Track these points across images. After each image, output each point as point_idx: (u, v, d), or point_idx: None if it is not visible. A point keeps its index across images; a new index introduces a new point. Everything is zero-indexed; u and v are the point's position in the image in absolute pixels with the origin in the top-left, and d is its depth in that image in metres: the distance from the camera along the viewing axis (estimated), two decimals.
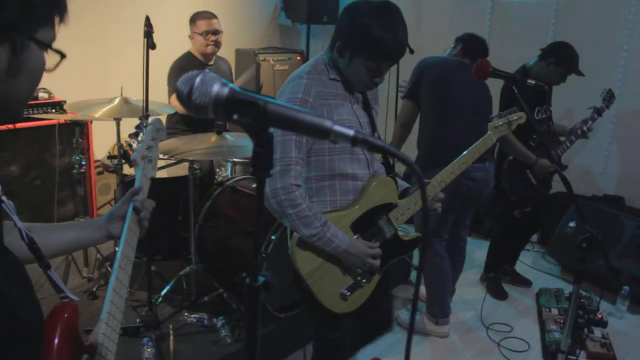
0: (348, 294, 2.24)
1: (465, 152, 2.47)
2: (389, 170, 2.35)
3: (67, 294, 1.33)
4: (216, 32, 4.26)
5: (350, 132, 0.86)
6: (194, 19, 4.29)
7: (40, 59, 1.01)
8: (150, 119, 1.82)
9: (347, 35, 2.06)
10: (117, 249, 1.52)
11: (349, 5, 2.08)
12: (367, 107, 2.31)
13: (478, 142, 2.50)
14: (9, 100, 0.99)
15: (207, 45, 4.24)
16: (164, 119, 4.49)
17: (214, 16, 4.30)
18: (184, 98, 0.89)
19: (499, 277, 4.33)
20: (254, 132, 0.89)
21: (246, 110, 0.87)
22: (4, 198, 1.10)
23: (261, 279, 0.97)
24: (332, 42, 2.13)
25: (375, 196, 2.26)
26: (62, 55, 1.04)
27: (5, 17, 0.89)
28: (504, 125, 2.57)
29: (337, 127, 0.87)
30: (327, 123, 0.87)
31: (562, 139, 4.04)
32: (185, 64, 4.25)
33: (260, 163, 0.89)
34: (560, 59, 3.80)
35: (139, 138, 1.74)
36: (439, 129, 3.40)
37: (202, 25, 4.23)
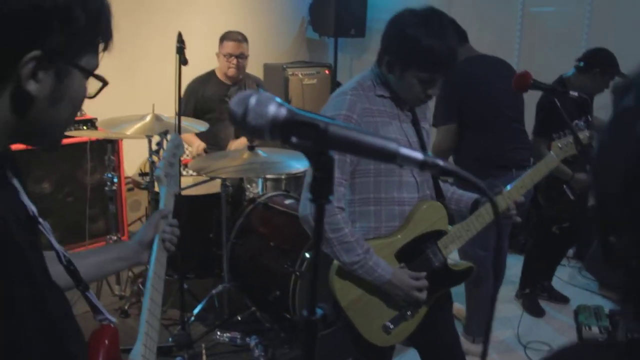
0: (391, 327, 2.10)
1: (524, 176, 2.31)
2: (439, 194, 2.22)
3: (106, 316, 1.32)
4: (241, 56, 4.18)
5: (420, 156, 0.80)
6: (223, 38, 4.23)
7: (82, 86, 1.02)
8: (169, 136, 1.82)
9: (395, 48, 2.00)
10: (148, 267, 1.51)
11: (393, 17, 2.03)
12: (417, 125, 2.20)
13: (540, 164, 2.37)
14: (50, 125, 1.00)
15: (229, 67, 4.18)
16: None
17: (244, 40, 4.21)
18: (238, 119, 0.83)
19: (536, 293, 4.21)
20: (313, 156, 0.83)
21: (306, 133, 0.81)
22: (40, 220, 1.08)
23: (319, 311, 0.91)
24: (380, 57, 2.06)
25: (423, 223, 2.13)
26: (104, 83, 1.04)
27: (52, 45, 0.90)
28: (569, 145, 2.42)
29: (404, 150, 0.81)
30: (392, 145, 0.81)
31: None
32: (201, 86, 4.22)
33: (320, 189, 0.83)
34: (606, 67, 3.67)
35: (161, 155, 1.74)
36: (482, 142, 3.28)
37: (228, 47, 4.16)
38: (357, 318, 2.06)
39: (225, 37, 4.22)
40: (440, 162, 0.80)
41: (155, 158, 1.78)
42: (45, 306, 1.00)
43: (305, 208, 2.00)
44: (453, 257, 2.31)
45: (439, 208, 2.18)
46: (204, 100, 4.20)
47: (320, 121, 0.81)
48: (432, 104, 2.96)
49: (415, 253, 2.12)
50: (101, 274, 1.52)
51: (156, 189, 3.46)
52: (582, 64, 3.76)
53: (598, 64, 3.69)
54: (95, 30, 0.99)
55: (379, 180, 2.06)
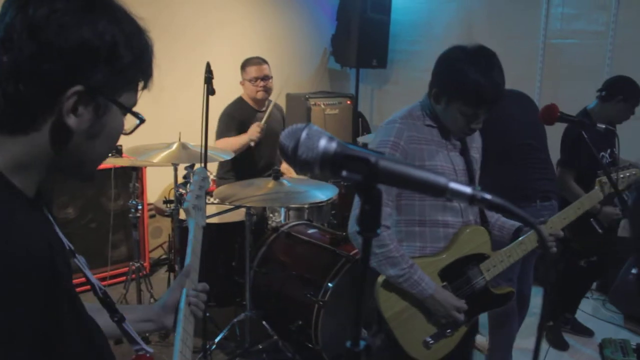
0: (432, 342, 2.18)
1: (567, 209, 2.40)
2: (484, 219, 2.30)
3: (143, 346, 1.32)
4: (266, 78, 4.27)
5: (468, 190, 0.81)
6: (244, 65, 4.31)
7: (119, 122, 1.02)
8: (195, 168, 1.82)
9: (443, 81, 2.10)
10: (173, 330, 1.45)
11: (445, 52, 2.12)
12: (466, 154, 2.28)
13: (584, 197, 2.43)
14: (86, 160, 1.00)
15: (257, 91, 4.25)
16: (215, 166, 4.50)
17: (264, 62, 4.31)
18: (289, 153, 0.85)
19: (559, 326, 4.16)
20: (362, 189, 0.84)
21: (356, 167, 0.82)
22: (76, 254, 1.10)
23: (362, 343, 0.91)
24: (429, 89, 2.16)
25: (467, 245, 2.21)
26: (141, 120, 1.04)
27: (95, 81, 0.92)
28: (620, 180, 2.47)
29: (453, 185, 0.82)
30: (442, 180, 0.82)
31: None
32: (235, 111, 4.27)
33: (369, 222, 0.84)
34: (629, 94, 3.66)
35: (188, 188, 1.74)
36: (506, 173, 3.26)
37: (252, 71, 4.24)
38: (399, 330, 2.14)
39: (246, 64, 4.31)
40: (488, 196, 0.81)
41: (182, 191, 1.81)
42: (92, 336, 1.01)
43: (353, 225, 2.10)
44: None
45: (483, 233, 2.27)
46: (240, 123, 4.26)
47: (371, 155, 0.82)
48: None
49: (458, 273, 2.21)
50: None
51: (180, 216, 3.49)
52: (604, 93, 3.75)
53: (620, 91, 3.68)
54: (138, 69, 1.00)
55: (424, 203, 2.15)
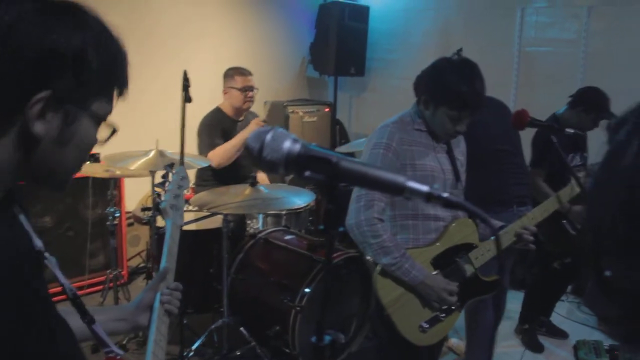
0: (427, 326, 2.34)
1: (547, 201, 2.60)
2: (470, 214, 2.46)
3: (113, 348, 1.32)
4: (252, 89, 4.28)
5: (425, 188, 0.85)
6: (232, 74, 4.27)
7: (91, 131, 1.00)
8: (174, 168, 1.82)
9: (431, 88, 2.34)
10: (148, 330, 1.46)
11: (432, 63, 2.37)
12: (452, 156, 2.50)
13: (564, 189, 2.58)
14: (56, 168, 0.99)
15: (245, 101, 4.24)
16: (192, 173, 4.51)
17: (250, 73, 4.32)
18: (255, 154, 0.88)
19: (535, 328, 4.22)
20: (325, 189, 0.87)
21: (319, 167, 0.86)
22: (46, 254, 1.09)
23: (327, 338, 0.94)
24: (418, 96, 2.40)
25: (456, 236, 2.42)
26: (114, 130, 1.04)
27: (62, 87, 0.90)
28: (582, 176, 2.61)
29: (411, 184, 0.86)
30: (400, 179, 0.86)
31: None
32: (215, 120, 4.25)
33: (332, 220, 0.87)
34: (590, 106, 3.76)
35: (166, 187, 1.73)
36: (482, 179, 3.31)
37: (243, 80, 4.23)
38: (396, 315, 2.30)
39: (235, 73, 4.27)
40: (445, 195, 0.85)
41: (160, 190, 1.78)
42: (54, 339, 1.01)
43: (351, 217, 2.27)
44: None
45: (470, 224, 2.48)
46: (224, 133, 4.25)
47: (332, 156, 0.86)
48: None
49: (448, 262, 2.40)
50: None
51: (158, 224, 3.49)
52: (570, 100, 3.86)
53: (582, 102, 3.79)
54: (110, 76, 1.00)
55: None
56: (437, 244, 2.39)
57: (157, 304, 1.44)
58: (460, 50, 2.50)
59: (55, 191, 1.08)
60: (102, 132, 1.04)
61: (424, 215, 2.37)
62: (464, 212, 0.92)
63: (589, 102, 3.78)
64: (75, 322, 1.21)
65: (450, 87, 2.26)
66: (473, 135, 3.28)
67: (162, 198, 1.70)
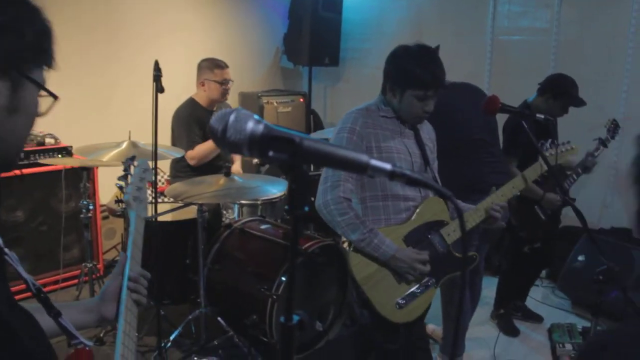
0: (403, 302, 2.39)
1: (515, 178, 2.63)
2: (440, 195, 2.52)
3: (81, 340, 1.31)
4: (229, 82, 4.25)
5: (388, 167, 0.86)
6: (210, 67, 4.21)
7: (35, 99, 1.05)
8: (135, 161, 1.81)
9: (394, 75, 2.45)
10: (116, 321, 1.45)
11: (391, 53, 2.48)
12: (420, 141, 2.57)
13: (531, 167, 2.61)
14: (9, 138, 1.02)
15: (223, 93, 4.22)
16: (166, 164, 4.50)
17: (227, 65, 4.28)
18: (218, 135, 0.88)
19: (510, 313, 4.28)
20: (289, 169, 0.88)
21: (282, 147, 0.86)
22: (6, 250, 1.10)
23: (295, 318, 0.95)
24: (383, 86, 2.51)
25: (427, 213, 2.48)
26: (55, 97, 1.07)
27: (4, 55, 0.95)
28: (552, 157, 2.64)
29: (374, 162, 0.87)
30: (364, 158, 0.87)
31: (568, 172, 4.03)
32: (191, 112, 4.21)
33: (296, 200, 0.88)
34: (557, 93, 3.81)
35: (129, 180, 1.72)
36: (460, 168, 3.28)
37: (223, 73, 4.19)
38: (372, 292, 2.35)
39: (212, 65, 4.22)
40: (408, 172, 0.86)
41: (122, 183, 1.79)
42: (14, 337, 1.00)
43: (319, 198, 2.37)
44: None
45: (440, 202, 2.54)
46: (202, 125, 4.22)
47: (296, 136, 0.86)
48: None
49: (420, 238, 2.46)
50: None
51: None
52: (538, 87, 3.91)
53: (550, 89, 3.84)
54: (42, 47, 1.04)
55: (384, 179, 2.24)
56: (408, 222, 2.44)
57: (124, 295, 1.43)
58: (438, 47, 2.63)
59: (5, 168, 1.08)
60: (45, 103, 1.08)
61: (394, 195, 2.44)
62: (431, 190, 0.93)
63: (557, 89, 3.83)
64: (44, 319, 1.20)
65: (412, 70, 2.37)
66: (452, 124, 3.32)
67: (125, 191, 1.69)
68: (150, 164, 3.06)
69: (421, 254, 2.38)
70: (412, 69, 2.37)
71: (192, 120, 4.15)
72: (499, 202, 2.55)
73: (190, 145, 4.06)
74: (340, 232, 2.37)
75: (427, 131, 2.69)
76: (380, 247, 2.31)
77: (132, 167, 1.78)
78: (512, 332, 4.14)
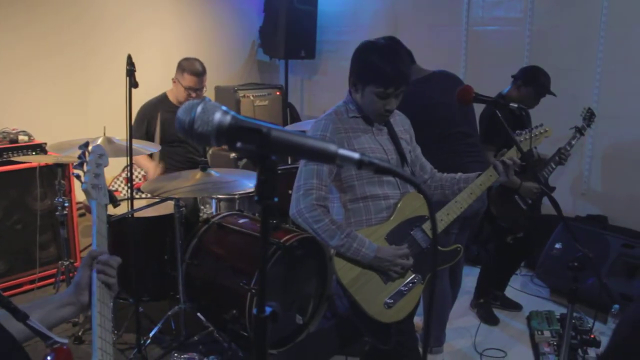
0: (391, 302, 2.38)
1: (490, 167, 2.58)
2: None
3: (55, 339, 1.30)
4: (200, 89, 4.14)
5: (356, 155, 0.86)
6: (183, 68, 4.11)
7: None
8: (90, 147, 1.77)
9: (357, 70, 2.43)
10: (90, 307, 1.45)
11: (358, 46, 2.44)
12: (394, 137, 2.56)
13: (502, 153, 2.59)
14: None
15: (187, 100, 4.13)
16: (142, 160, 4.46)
17: (203, 72, 4.15)
18: (186, 127, 0.88)
19: (490, 302, 4.31)
20: (257, 160, 0.87)
21: (250, 138, 0.86)
22: None
23: (268, 309, 0.95)
24: (349, 80, 2.48)
25: (407, 210, 2.47)
26: None
27: None
28: (526, 141, 2.64)
29: (342, 151, 0.86)
30: (332, 147, 0.87)
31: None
32: (153, 111, 4.16)
33: (265, 191, 0.87)
34: (528, 82, 3.86)
35: (85, 168, 1.68)
36: (440, 158, 3.29)
37: (189, 80, 4.08)
38: (359, 295, 2.34)
39: (186, 68, 4.10)
40: (376, 161, 0.86)
41: (79, 172, 1.74)
42: None
43: (292, 208, 2.35)
44: None
45: (418, 197, 2.51)
46: (156, 124, 4.16)
47: (263, 126, 0.86)
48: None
49: (402, 235, 2.45)
50: (49, 325, 1.43)
51: (109, 212, 3.44)
52: (512, 79, 3.96)
53: (524, 81, 3.90)
54: None
55: (362, 182, 2.42)
56: (389, 220, 2.43)
57: (94, 288, 1.43)
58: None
59: None
60: None
61: (373, 195, 2.43)
62: (401, 179, 0.93)
63: (530, 80, 3.88)
64: (14, 324, 1.19)
65: (373, 66, 2.34)
66: (434, 118, 3.33)
67: (83, 180, 1.64)
68: (127, 160, 3.06)
69: (401, 248, 2.38)
70: (373, 64, 2.34)
71: (142, 121, 4.14)
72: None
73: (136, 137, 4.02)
74: (319, 238, 2.35)
75: (400, 123, 2.67)
76: (360, 251, 2.30)
77: (87, 154, 1.72)
78: (492, 320, 4.18)
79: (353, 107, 2.48)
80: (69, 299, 1.46)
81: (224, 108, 0.88)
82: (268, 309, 0.95)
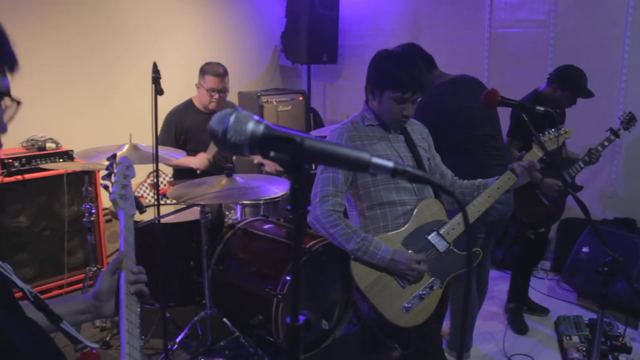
0: (409, 306, 2.40)
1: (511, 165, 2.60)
2: (437, 195, 2.60)
3: (86, 343, 1.31)
4: (223, 91, 4.20)
5: (390, 164, 0.86)
6: (205, 71, 4.19)
7: None
8: (117, 158, 1.81)
9: (374, 77, 2.49)
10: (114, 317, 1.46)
11: (374, 55, 2.51)
12: (411, 144, 2.60)
13: (529, 153, 2.60)
14: None
15: (210, 102, 4.19)
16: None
17: (225, 74, 4.21)
18: (219, 137, 0.88)
19: (521, 308, 4.20)
20: (291, 169, 0.87)
21: (283, 147, 0.86)
22: (0, 262, 1.10)
23: (302, 318, 0.95)
24: (365, 89, 2.55)
25: (423, 215, 2.50)
26: (18, 103, 1.07)
27: None
28: (549, 141, 2.63)
29: (376, 160, 0.86)
30: (366, 156, 0.87)
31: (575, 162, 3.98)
32: (179, 116, 4.21)
33: (298, 200, 0.87)
34: (565, 85, 3.78)
35: (112, 179, 1.72)
36: (465, 163, 3.23)
37: (211, 82, 4.14)
38: (377, 300, 2.36)
39: (207, 71, 4.18)
40: (409, 169, 0.86)
41: (107, 183, 1.77)
42: (8, 345, 1.01)
43: (310, 215, 2.39)
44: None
45: (435, 202, 2.57)
46: (183, 130, 4.20)
47: (296, 136, 0.86)
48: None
49: (420, 240, 2.48)
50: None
51: (135, 218, 3.46)
52: (548, 78, 3.89)
53: (558, 80, 3.81)
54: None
55: (378, 188, 2.47)
56: (406, 226, 2.46)
57: (122, 295, 1.44)
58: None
59: None
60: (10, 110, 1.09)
61: (390, 202, 2.47)
62: (435, 188, 0.92)
63: (564, 81, 3.79)
64: (36, 316, 1.21)
65: (390, 72, 2.41)
66: (458, 122, 3.32)
67: (111, 190, 1.67)
68: (152, 166, 3.09)
69: (417, 254, 2.41)
70: (391, 71, 2.41)
71: (170, 126, 4.18)
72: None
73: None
74: (336, 243, 2.40)
75: (418, 131, 2.71)
76: (377, 254, 2.34)
77: (114, 166, 1.76)
78: (520, 329, 4.08)
79: (369, 116, 2.55)
80: (88, 307, 1.47)
81: (256, 117, 0.89)
82: (302, 318, 0.95)
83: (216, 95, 4.17)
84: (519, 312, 4.18)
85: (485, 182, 2.66)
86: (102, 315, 1.48)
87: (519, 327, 4.11)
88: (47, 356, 1.12)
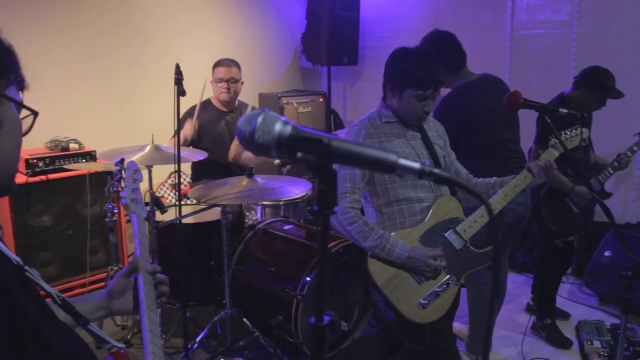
0: (425, 302, 2.42)
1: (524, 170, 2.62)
2: (453, 191, 2.62)
3: (113, 344, 1.34)
4: (232, 80, 4.24)
5: (417, 165, 0.86)
6: (214, 66, 4.30)
7: (16, 115, 1.07)
8: (125, 163, 1.85)
9: (392, 76, 2.51)
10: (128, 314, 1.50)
11: (391, 55, 2.54)
12: (427, 142, 2.61)
13: (545, 152, 2.60)
14: (1, 156, 1.05)
15: (221, 92, 4.23)
16: (188, 167, 4.52)
17: (234, 64, 4.28)
18: (247, 138, 0.89)
19: (554, 321, 4.05)
20: (317, 170, 0.88)
21: (310, 148, 0.87)
22: (27, 268, 1.11)
23: (327, 318, 0.95)
24: (384, 87, 2.56)
25: (440, 212, 2.52)
26: (35, 114, 1.09)
27: None
28: (567, 141, 2.64)
29: (403, 161, 0.86)
30: (392, 157, 0.87)
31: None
32: (191, 113, 4.22)
33: (325, 201, 0.88)
34: (593, 88, 3.69)
35: (122, 184, 1.76)
36: (486, 166, 3.16)
37: (219, 72, 4.24)
38: (394, 296, 2.38)
39: (216, 64, 4.30)
40: (437, 171, 0.86)
41: (117, 187, 1.80)
42: (47, 345, 1.03)
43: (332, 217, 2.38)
44: None
45: (452, 199, 2.59)
46: (200, 126, 4.24)
47: (324, 137, 0.86)
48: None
49: (436, 237, 2.50)
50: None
51: (157, 218, 3.50)
52: (574, 80, 3.80)
53: (585, 83, 3.71)
54: (9, 65, 1.05)
55: (395, 185, 2.49)
56: (423, 222, 2.48)
57: (142, 297, 1.48)
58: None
59: (5, 192, 1.11)
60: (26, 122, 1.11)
61: (407, 199, 2.49)
62: (463, 190, 0.93)
63: (593, 83, 3.70)
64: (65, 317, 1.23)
65: (410, 70, 2.43)
66: (479, 125, 3.31)
67: (121, 195, 1.72)
68: (174, 166, 3.12)
69: (433, 250, 2.42)
70: (411, 69, 2.42)
71: (187, 116, 4.20)
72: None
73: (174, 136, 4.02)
74: (353, 240, 2.42)
75: (434, 129, 2.72)
76: (394, 251, 2.36)
77: (122, 171, 1.81)
78: (564, 344, 3.92)
79: (387, 113, 2.56)
80: (101, 303, 1.50)
81: (283, 118, 0.89)
82: (326, 318, 0.95)
83: (225, 85, 4.23)
84: (555, 326, 4.03)
85: (500, 181, 2.68)
86: (115, 312, 1.52)
87: (559, 341, 3.95)
88: (83, 358, 1.14)
